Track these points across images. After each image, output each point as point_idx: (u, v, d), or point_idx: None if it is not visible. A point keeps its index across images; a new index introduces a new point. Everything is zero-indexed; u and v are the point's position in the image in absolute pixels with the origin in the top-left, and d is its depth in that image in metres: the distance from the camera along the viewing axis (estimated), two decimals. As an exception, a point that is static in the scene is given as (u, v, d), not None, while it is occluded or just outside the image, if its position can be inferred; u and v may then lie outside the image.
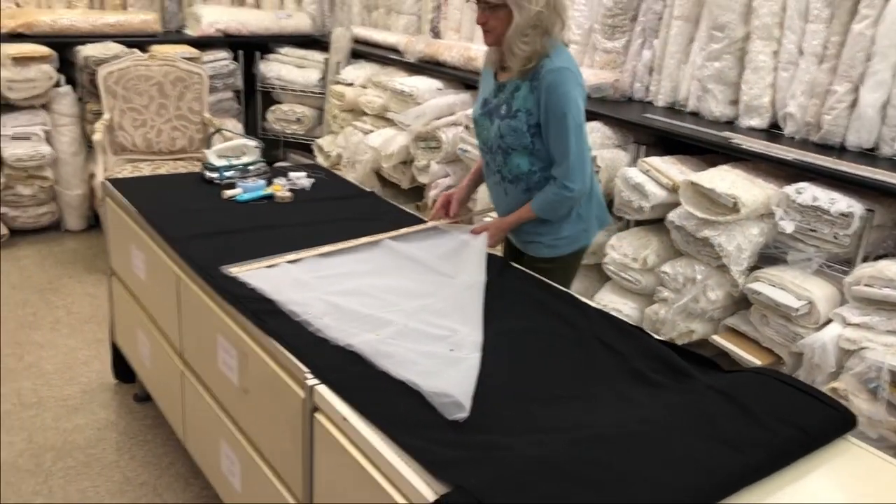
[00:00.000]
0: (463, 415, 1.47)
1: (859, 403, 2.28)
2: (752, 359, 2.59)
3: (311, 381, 1.61)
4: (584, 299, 2.08)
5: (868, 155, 2.76)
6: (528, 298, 2.07)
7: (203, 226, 2.44)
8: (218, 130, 3.11)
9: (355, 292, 1.98)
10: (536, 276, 2.25)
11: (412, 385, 1.56)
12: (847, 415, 1.54)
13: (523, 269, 2.30)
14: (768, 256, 2.71)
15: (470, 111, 3.56)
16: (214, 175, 2.89)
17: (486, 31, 2.22)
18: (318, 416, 1.59)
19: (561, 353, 1.79)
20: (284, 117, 5.26)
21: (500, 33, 2.19)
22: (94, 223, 4.76)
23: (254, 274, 2.07)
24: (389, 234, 2.37)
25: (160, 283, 2.43)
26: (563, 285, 2.26)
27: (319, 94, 5.18)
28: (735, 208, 2.60)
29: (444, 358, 1.68)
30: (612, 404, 1.57)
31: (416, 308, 1.92)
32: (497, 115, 2.31)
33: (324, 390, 1.58)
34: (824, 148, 2.83)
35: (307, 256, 2.18)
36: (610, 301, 3.08)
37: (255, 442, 1.94)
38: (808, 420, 1.50)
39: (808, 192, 2.51)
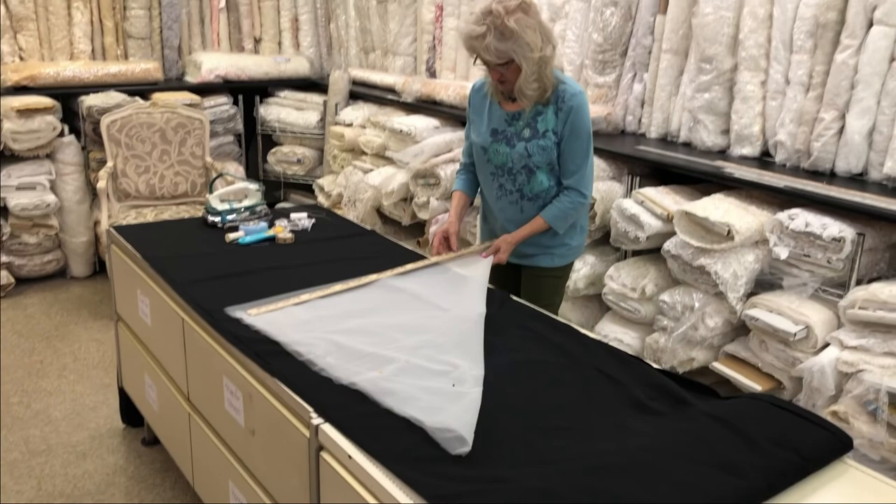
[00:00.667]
0: (466, 449, 1.50)
1: (860, 426, 2.31)
2: (753, 385, 2.62)
3: (316, 420, 1.64)
4: (583, 330, 2.11)
5: (857, 180, 2.81)
6: (528, 331, 2.10)
7: (206, 269, 2.49)
8: (219, 175, 3.17)
9: (357, 331, 2.02)
10: (536, 308, 2.29)
11: (415, 422, 1.59)
12: (843, 437, 1.56)
13: (523, 301, 2.34)
14: (764, 282, 2.74)
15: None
16: (217, 219, 2.94)
17: (503, 83, 2.44)
18: (324, 454, 1.62)
19: (561, 384, 1.82)
20: (285, 159, 5.34)
21: (514, 80, 2.40)
22: (99, 269, 4.81)
23: (258, 316, 2.12)
24: (390, 272, 2.41)
25: (166, 326, 2.47)
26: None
27: (319, 135, 5.27)
28: (729, 236, 2.64)
29: (446, 393, 1.71)
30: (612, 434, 1.59)
31: (418, 344, 1.96)
32: (519, 139, 2.50)
33: (329, 429, 1.61)
34: (815, 174, 2.88)
35: (310, 299, 2.22)
36: (611, 331, 3.12)
37: (262, 482, 1.97)
38: (804, 443, 1.53)
39: (801, 219, 2.55)
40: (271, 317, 2.12)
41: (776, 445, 1.51)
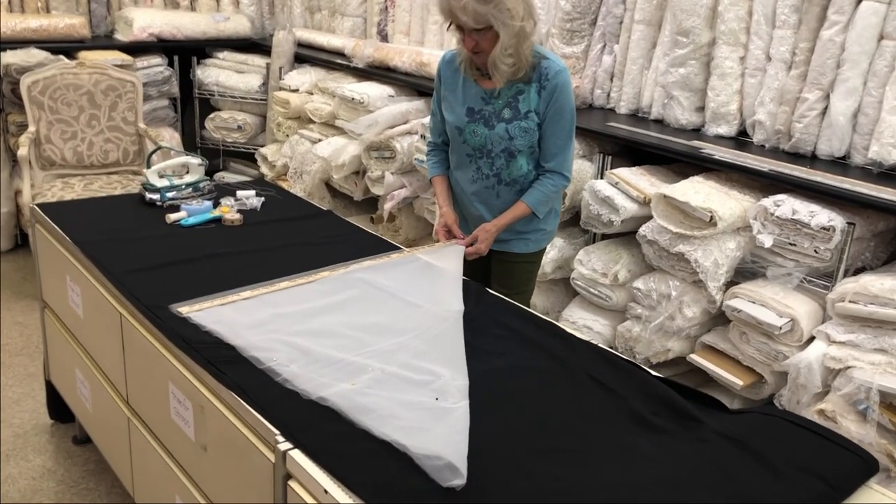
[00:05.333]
0: (460, 482, 1.31)
1: (847, 425, 2.21)
2: (733, 378, 2.50)
3: (284, 444, 1.43)
4: (569, 330, 1.94)
5: (840, 163, 2.70)
6: (509, 331, 1.92)
7: (146, 256, 2.23)
8: (158, 148, 2.88)
9: (323, 332, 1.80)
10: (514, 303, 2.11)
11: (398, 445, 1.40)
12: (869, 459, 1.43)
13: (500, 295, 2.16)
14: (745, 270, 2.62)
15: (425, 120, 3.40)
16: (155, 196, 2.66)
17: (477, 52, 2.24)
18: (293, 484, 1.41)
19: (553, 395, 1.65)
20: (224, 125, 5.01)
21: (489, 50, 2.22)
22: (21, 243, 4.43)
23: (207, 314, 1.88)
24: (357, 263, 2.19)
25: (100, 320, 2.20)
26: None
27: (261, 100, 4.95)
28: (712, 222, 2.50)
29: (429, 409, 1.52)
30: (617, 458, 1.43)
31: (392, 347, 1.76)
32: (499, 119, 2.33)
33: (298, 456, 1.40)
34: (795, 156, 2.76)
35: (267, 292, 1.99)
36: (580, 318, 2.97)
37: (216, 502, 1.75)
38: (829, 468, 1.39)
39: (787, 205, 2.42)
40: (223, 314, 1.88)
41: (801, 472, 1.36)
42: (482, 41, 2.20)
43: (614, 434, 1.51)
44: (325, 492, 1.32)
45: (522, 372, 1.73)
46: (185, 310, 1.89)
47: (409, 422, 1.47)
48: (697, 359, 2.62)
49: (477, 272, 2.53)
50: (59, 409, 2.82)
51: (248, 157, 5.12)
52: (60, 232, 2.38)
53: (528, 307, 2.60)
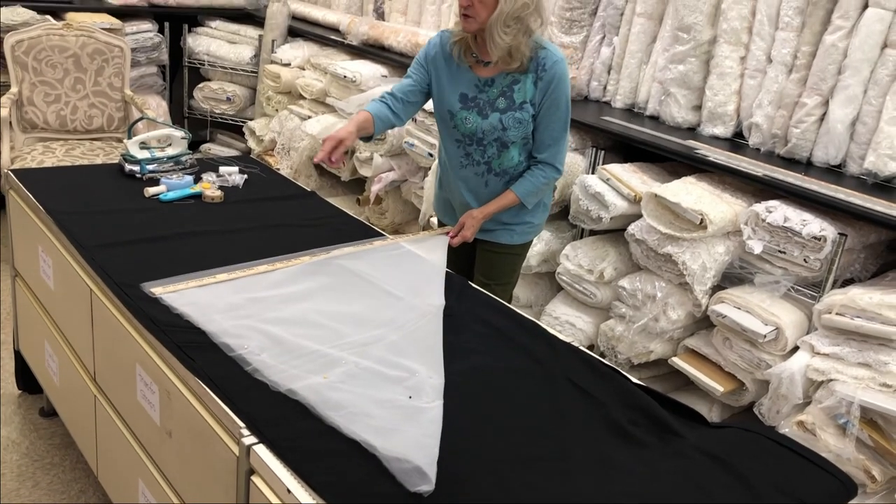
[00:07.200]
0: (427, 488, 1.26)
1: (826, 438, 2.18)
2: (714, 384, 2.47)
3: (248, 439, 1.38)
4: (551, 330, 1.90)
5: (834, 171, 2.66)
6: (491, 328, 1.87)
7: (121, 231, 2.16)
8: (141, 118, 2.81)
9: (297, 320, 1.75)
10: (497, 299, 2.06)
11: (366, 446, 1.35)
12: (848, 483, 1.40)
13: (483, 290, 2.10)
14: (732, 276, 2.58)
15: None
16: (135, 168, 2.59)
17: (467, 17, 2.15)
18: (256, 479, 1.37)
19: (532, 399, 1.60)
20: (213, 96, 4.91)
21: (483, 20, 2.13)
22: (-1, 205, 4.34)
23: (180, 295, 1.82)
24: (339, 249, 2.13)
25: (71, 295, 2.14)
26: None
27: (252, 72, 4.86)
28: (702, 225, 2.45)
29: (401, 408, 1.47)
30: (594, 470, 1.39)
31: (368, 340, 1.71)
32: (493, 109, 2.27)
33: (262, 452, 1.35)
34: (790, 162, 2.72)
35: (244, 276, 1.93)
36: (563, 313, 2.92)
37: (178, 490, 1.70)
38: (807, 490, 1.36)
39: (779, 212, 2.38)
40: (196, 296, 1.82)
41: (779, 492, 1.33)
42: (477, 3, 2.10)
43: (591, 443, 1.47)
44: (289, 491, 1.27)
45: (501, 372, 1.69)
46: (158, 290, 1.83)
47: (380, 421, 1.42)
48: (679, 362, 2.58)
49: (461, 260, 2.48)
50: (27, 379, 2.76)
51: (236, 130, 5.03)
52: (34, 200, 2.31)
53: (510, 299, 2.57)
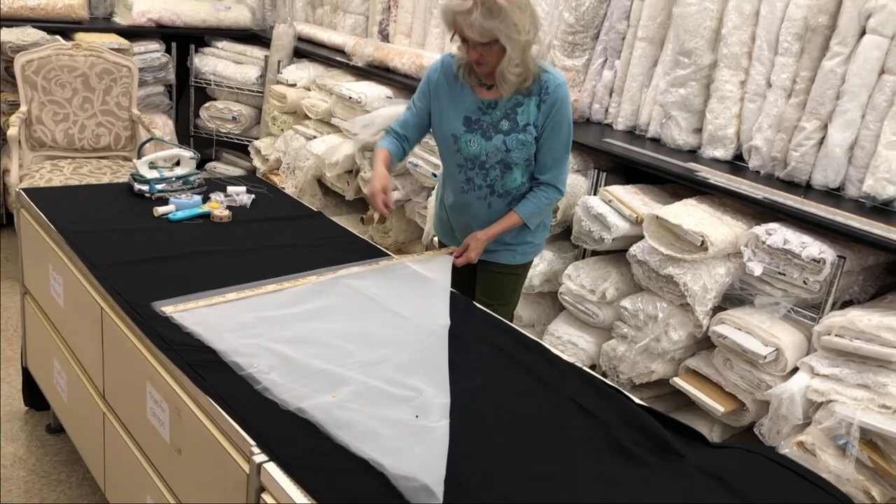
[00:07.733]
0: (436, 506, 1.29)
1: (826, 459, 2.20)
2: (715, 405, 2.49)
3: (259, 457, 1.41)
4: (554, 350, 1.93)
5: (833, 194, 2.70)
6: (495, 348, 1.90)
7: (131, 250, 2.19)
8: (151, 139, 2.85)
9: (306, 340, 1.78)
10: (501, 318, 2.09)
11: (375, 464, 1.38)
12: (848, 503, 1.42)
13: (488, 311, 2.14)
14: (732, 297, 2.61)
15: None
16: (144, 188, 2.63)
17: (481, 65, 2.23)
18: (267, 497, 1.39)
19: (536, 418, 1.63)
20: (219, 115, 4.97)
21: (495, 65, 2.20)
22: (6, 222, 4.38)
23: (190, 314, 1.85)
24: (346, 268, 2.16)
25: (81, 313, 2.17)
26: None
27: (258, 92, 4.92)
28: (703, 247, 2.49)
29: (409, 427, 1.50)
30: (597, 487, 1.41)
31: (376, 359, 1.74)
32: (496, 131, 2.31)
33: (273, 469, 1.38)
34: (790, 185, 2.76)
35: (253, 295, 1.96)
36: (565, 333, 2.95)
37: (187, 506, 1.73)
38: (808, 511, 1.38)
39: (779, 234, 2.42)
40: (205, 315, 1.85)
41: (780, 513, 1.36)
42: (487, 55, 2.18)
43: (595, 463, 1.49)
44: (299, 509, 1.30)
45: (505, 392, 1.72)
46: (169, 309, 1.86)
47: (388, 440, 1.45)
48: (680, 382, 2.61)
49: (463, 280, 2.51)
50: (34, 396, 2.79)
51: (242, 149, 5.08)
52: (45, 219, 2.35)
53: (512, 318, 2.60)
